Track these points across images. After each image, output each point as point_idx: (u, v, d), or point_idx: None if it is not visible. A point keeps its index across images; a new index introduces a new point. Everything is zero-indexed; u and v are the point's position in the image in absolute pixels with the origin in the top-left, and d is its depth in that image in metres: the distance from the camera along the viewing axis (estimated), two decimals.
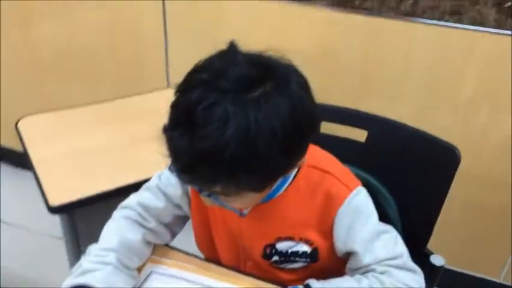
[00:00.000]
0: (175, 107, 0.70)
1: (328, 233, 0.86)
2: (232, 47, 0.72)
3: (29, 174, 1.36)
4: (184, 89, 0.70)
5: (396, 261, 0.83)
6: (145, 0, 1.75)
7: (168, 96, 0.73)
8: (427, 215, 1.08)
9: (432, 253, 1.08)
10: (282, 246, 0.88)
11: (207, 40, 1.66)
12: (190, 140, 0.66)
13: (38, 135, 1.29)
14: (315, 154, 0.85)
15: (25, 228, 2.15)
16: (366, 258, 0.83)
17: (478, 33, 1.39)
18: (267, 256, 0.89)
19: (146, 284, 0.86)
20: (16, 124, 1.32)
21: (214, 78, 0.67)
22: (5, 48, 2.10)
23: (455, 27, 1.40)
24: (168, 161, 0.72)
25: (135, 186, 0.96)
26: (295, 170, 0.84)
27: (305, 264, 0.89)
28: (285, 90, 0.69)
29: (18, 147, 2.25)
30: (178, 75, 0.75)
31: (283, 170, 0.76)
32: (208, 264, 0.91)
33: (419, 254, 1.09)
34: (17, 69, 2.15)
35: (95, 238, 0.89)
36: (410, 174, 1.09)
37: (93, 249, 0.86)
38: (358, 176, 1.08)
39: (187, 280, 0.87)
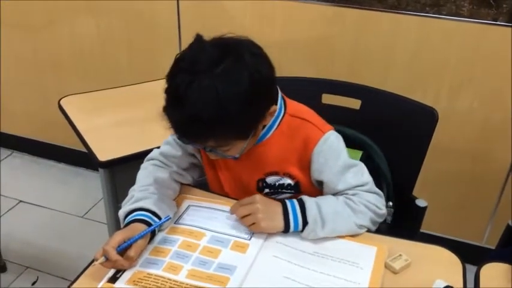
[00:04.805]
0: (166, 91, 0.93)
1: (306, 168, 1.07)
2: (198, 38, 0.94)
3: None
4: (170, 76, 0.93)
5: (364, 187, 1.04)
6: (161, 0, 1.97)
7: None
8: (412, 166, 1.29)
9: (417, 198, 1.29)
10: (270, 180, 1.09)
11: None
12: (180, 112, 0.89)
13: (78, 111, 1.50)
14: (296, 107, 1.08)
15: (45, 207, 2.29)
16: (339, 186, 1.04)
17: (454, 23, 1.62)
18: (259, 189, 1.11)
19: (186, 214, 1.07)
20: (59, 101, 1.52)
21: (189, 64, 0.90)
22: (29, 48, 2.31)
23: (435, 17, 1.63)
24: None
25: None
26: (279, 118, 1.04)
27: (291, 195, 1.10)
28: (241, 62, 0.91)
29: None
30: None
31: (256, 119, 0.98)
32: (228, 199, 1.10)
33: (406, 199, 1.31)
34: (39, 66, 2.35)
35: None
36: (397, 133, 1.29)
37: (136, 187, 1.06)
38: (355, 137, 1.29)
39: (217, 209, 1.07)
